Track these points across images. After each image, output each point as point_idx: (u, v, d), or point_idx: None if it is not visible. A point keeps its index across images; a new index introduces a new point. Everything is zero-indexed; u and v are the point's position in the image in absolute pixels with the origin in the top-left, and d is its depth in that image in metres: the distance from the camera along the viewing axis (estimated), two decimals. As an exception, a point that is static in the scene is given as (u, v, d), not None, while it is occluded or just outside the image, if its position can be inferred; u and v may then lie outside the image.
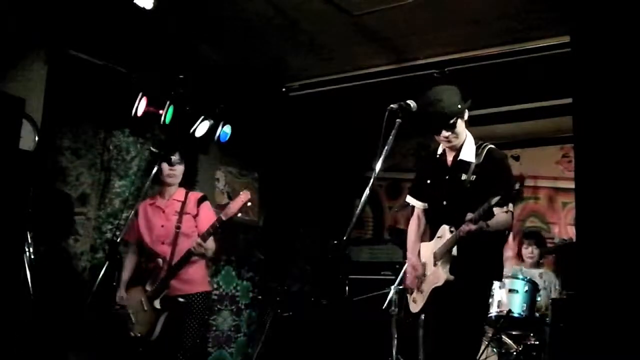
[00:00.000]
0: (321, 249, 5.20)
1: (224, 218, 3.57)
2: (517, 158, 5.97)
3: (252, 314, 6.17)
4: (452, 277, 2.98)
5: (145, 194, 3.99)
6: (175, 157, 3.83)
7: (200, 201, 3.90)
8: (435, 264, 3.09)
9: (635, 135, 3.34)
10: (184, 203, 3.84)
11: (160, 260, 3.73)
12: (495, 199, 2.73)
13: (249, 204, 3.53)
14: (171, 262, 3.69)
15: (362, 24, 4.49)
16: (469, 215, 2.86)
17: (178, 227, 3.76)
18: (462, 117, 3.08)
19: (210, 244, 3.75)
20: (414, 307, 3.25)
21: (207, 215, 3.86)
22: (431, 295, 3.09)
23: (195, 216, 3.85)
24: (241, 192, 3.58)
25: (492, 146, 3.15)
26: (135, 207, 3.99)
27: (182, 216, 3.80)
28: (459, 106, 3.04)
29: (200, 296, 3.79)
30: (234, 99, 5.60)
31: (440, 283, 3.01)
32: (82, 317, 4.53)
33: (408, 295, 3.33)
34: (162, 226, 3.82)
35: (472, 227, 2.84)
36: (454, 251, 3.00)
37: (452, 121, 3.03)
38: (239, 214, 3.54)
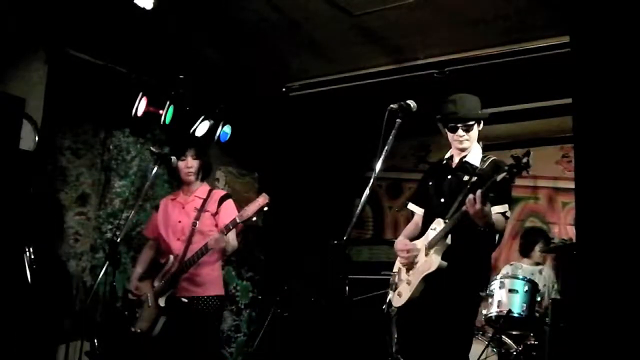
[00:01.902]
0: (321, 249, 5.20)
1: (238, 220, 3.46)
2: (517, 158, 5.97)
3: (252, 314, 6.17)
4: (445, 264, 2.97)
5: (146, 194, 3.98)
6: (190, 153, 3.77)
7: (222, 200, 3.78)
8: (427, 254, 3.08)
9: (636, 135, 3.34)
10: (205, 200, 3.74)
11: (171, 257, 3.64)
12: (502, 175, 2.72)
13: (266, 208, 3.43)
14: (183, 259, 3.60)
15: (362, 24, 4.49)
16: (478, 193, 2.77)
17: (194, 224, 3.66)
18: (478, 124, 3.22)
19: (232, 239, 3.63)
20: (398, 301, 3.21)
21: (229, 213, 3.72)
22: (420, 285, 3.07)
23: (215, 215, 3.74)
24: (260, 196, 3.47)
25: (498, 158, 3.21)
26: (158, 202, 3.96)
27: (200, 213, 3.70)
28: (479, 112, 3.20)
29: (212, 300, 3.66)
30: (234, 99, 5.60)
31: (433, 269, 2.99)
32: (81, 313, 4.56)
33: (391, 292, 3.29)
34: (180, 222, 3.73)
35: (481, 204, 2.74)
36: (448, 240, 2.99)
37: (470, 123, 3.16)
38: (254, 218, 3.45)
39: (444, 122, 3.24)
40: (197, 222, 3.67)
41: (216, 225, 3.72)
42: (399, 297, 3.22)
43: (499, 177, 2.74)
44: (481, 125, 3.23)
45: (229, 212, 3.74)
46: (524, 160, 2.69)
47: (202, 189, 3.84)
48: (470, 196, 2.80)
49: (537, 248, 5.11)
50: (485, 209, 2.79)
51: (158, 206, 3.94)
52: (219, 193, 3.84)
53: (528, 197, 5.95)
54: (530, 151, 2.78)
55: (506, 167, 2.72)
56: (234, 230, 3.59)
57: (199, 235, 3.66)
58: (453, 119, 3.17)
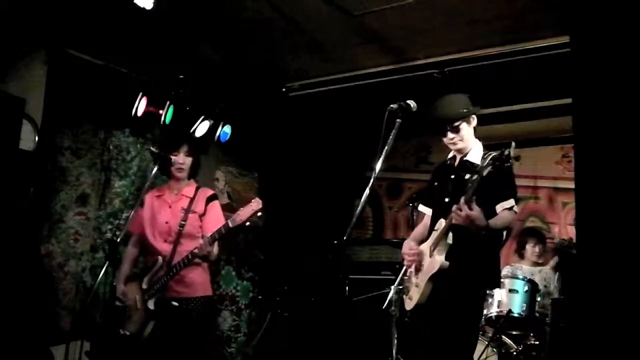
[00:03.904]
0: (321, 249, 5.20)
1: (231, 225, 3.39)
2: (517, 158, 5.96)
3: (252, 314, 6.17)
4: (446, 263, 2.97)
5: (146, 194, 3.95)
6: (183, 149, 3.70)
7: (209, 200, 3.72)
8: (431, 255, 3.09)
9: (635, 135, 3.34)
10: (192, 200, 3.68)
11: (160, 259, 3.59)
12: (487, 169, 2.70)
13: (259, 213, 3.36)
14: (171, 262, 3.57)
15: (362, 24, 4.49)
16: (462, 201, 2.79)
17: (182, 226, 3.61)
18: (467, 122, 3.18)
19: (215, 248, 3.57)
20: (409, 304, 3.21)
21: (215, 216, 3.68)
22: (427, 287, 3.07)
23: (201, 216, 3.68)
24: (252, 200, 3.41)
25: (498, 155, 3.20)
26: (142, 197, 3.86)
27: (187, 214, 3.64)
28: (464, 110, 3.15)
29: (200, 300, 3.63)
30: (234, 99, 5.60)
31: (435, 269, 3.00)
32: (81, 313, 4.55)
33: (404, 296, 3.30)
34: (166, 223, 3.66)
35: (467, 210, 2.75)
36: (450, 239, 2.99)
37: (456, 124, 3.13)
38: (247, 223, 3.38)
39: (432, 128, 3.24)
40: (185, 223, 3.62)
41: (201, 227, 3.68)
42: (410, 300, 3.22)
43: (485, 172, 2.73)
44: (472, 122, 3.20)
45: (215, 215, 3.70)
46: (506, 152, 2.69)
47: (189, 187, 3.77)
48: (454, 207, 2.80)
49: (529, 248, 5.11)
50: (473, 214, 2.77)
51: (142, 200, 3.84)
52: (205, 192, 3.77)
53: (528, 197, 5.94)
54: (512, 142, 2.76)
55: (490, 161, 2.72)
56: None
57: (187, 237, 3.62)
58: (440, 124, 3.16)
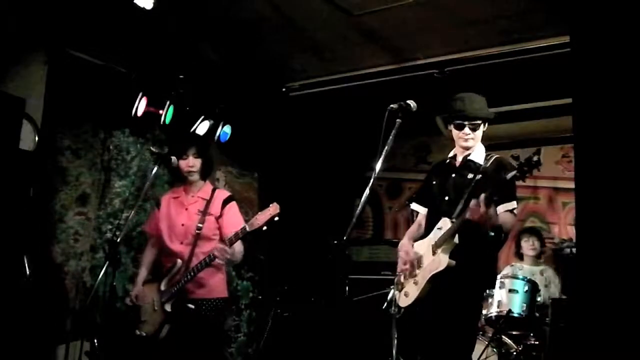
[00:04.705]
0: (321, 249, 5.21)
1: (248, 229, 3.39)
2: (517, 158, 5.97)
3: (252, 314, 6.17)
4: (453, 262, 2.98)
5: (146, 194, 3.96)
6: (192, 152, 3.71)
7: (225, 202, 3.71)
8: (434, 253, 3.08)
9: (635, 135, 3.34)
10: (208, 202, 3.67)
11: (179, 261, 3.58)
12: (512, 173, 2.74)
13: (277, 218, 3.37)
14: (189, 265, 3.56)
15: (362, 24, 4.49)
16: (481, 197, 2.79)
17: (199, 228, 3.60)
18: (484, 124, 3.24)
19: (238, 247, 3.56)
20: (405, 301, 3.20)
21: (232, 218, 3.68)
22: (428, 284, 3.07)
23: (218, 218, 3.68)
24: (270, 205, 3.42)
25: (501, 157, 3.24)
26: (159, 198, 3.91)
27: (204, 217, 3.63)
28: (487, 112, 3.24)
29: (216, 302, 3.64)
30: (234, 99, 5.60)
31: (441, 268, 3.00)
32: (81, 313, 4.55)
33: (397, 292, 3.28)
34: (183, 225, 3.66)
35: (484, 208, 2.76)
36: (456, 239, 3.00)
37: (478, 122, 3.20)
38: (264, 227, 3.39)
39: (450, 119, 3.25)
40: (202, 226, 3.62)
41: (219, 229, 3.67)
42: (405, 297, 3.21)
43: (509, 175, 2.75)
44: (486, 125, 3.25)
45: (233, 216, 3.69)
46: (535, 159, 2.70)
47: (205, 189, 3.77)
48: (473, 201, 2.81)
49: (523, 244, 5.12)
50: (490, 212, 2.79)
51: (159, 202, 3.88)
52: (222, 194, 3.77)
53: (528, 197, 5.94)
54: (541, 149, 2.78)
55: (516, 165, 2.73)
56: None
57: (204, 239, 3.62)
58: (461, 117, 3.19)
